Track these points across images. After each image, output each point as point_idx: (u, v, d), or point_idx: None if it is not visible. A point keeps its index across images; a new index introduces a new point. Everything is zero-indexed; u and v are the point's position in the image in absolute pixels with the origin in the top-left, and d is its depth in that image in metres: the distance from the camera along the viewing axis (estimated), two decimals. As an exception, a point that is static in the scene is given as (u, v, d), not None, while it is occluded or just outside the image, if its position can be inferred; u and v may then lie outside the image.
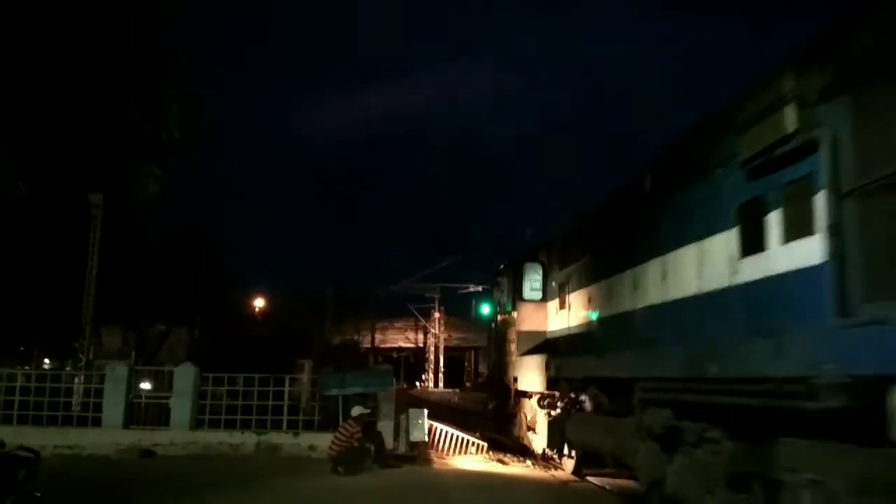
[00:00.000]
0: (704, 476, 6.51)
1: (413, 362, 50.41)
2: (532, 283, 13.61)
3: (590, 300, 10.67)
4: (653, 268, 8.25)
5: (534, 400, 13.63)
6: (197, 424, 14.16)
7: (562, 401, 11.74)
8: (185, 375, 14.38)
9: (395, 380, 15.24)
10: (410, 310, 48.01)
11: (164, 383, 15.26)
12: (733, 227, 6.38)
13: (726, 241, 6.49)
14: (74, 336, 20.38)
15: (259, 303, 43.98)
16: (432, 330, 47.79)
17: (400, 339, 51.40)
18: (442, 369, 46.76)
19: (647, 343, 8.28)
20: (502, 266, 16.07)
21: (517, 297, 14.19)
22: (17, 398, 14.16)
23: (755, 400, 5.66)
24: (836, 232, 4.81)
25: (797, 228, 5.32)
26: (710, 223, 6.83)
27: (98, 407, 14.17)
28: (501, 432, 16.26)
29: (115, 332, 25.23)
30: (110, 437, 13.59)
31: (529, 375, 13.37)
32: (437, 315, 47.22)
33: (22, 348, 30.93)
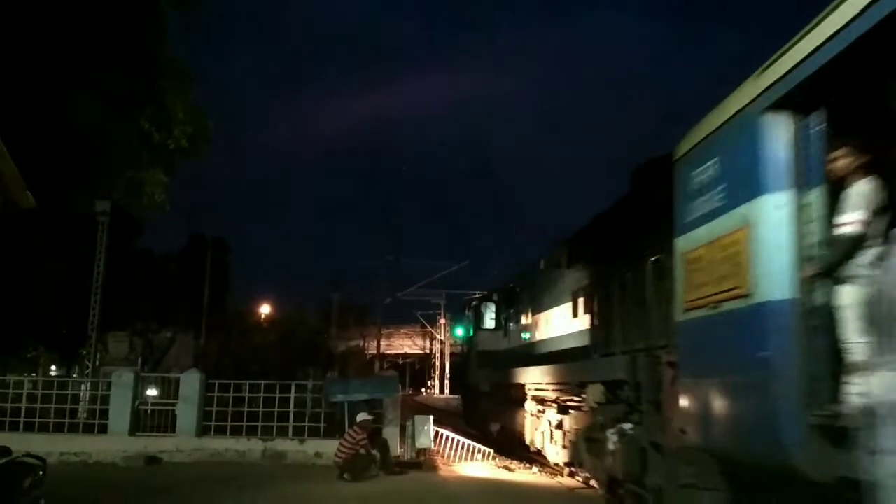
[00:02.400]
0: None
1: (419, 368, 50.41)
2: (489, 316, 18.51)
3: (516, 331, 16.32)
4: (542, 316, 13.90)
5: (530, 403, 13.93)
6: (203, 431, 14.17)
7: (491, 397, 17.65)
8: (191, 382, 14.40)
9: (400, 386, 15.24)
10: (416, 316, 48.02)
11: (170, 390, 15.28)
12: (568, 301, 11.92)
13: (566, 309, 12.10)
14: (81, 343, 20.46)
15: (265, 309, 44.03)
16: (438, 336, 47.77)
17: (406, 345, 51.41)
18: (448, 375, 46.72)
19: (534, 361, 13.48)
20: (472, 302, 21.63)
21: (478, 326, 19.43)
22: (23, 405, 14.19)
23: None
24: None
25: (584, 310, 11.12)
26: (562, 297, 12.42)
27: (104, 414, 14.20)
28: (470, 425, 20.82)
29: (121, 339, 25.29)
30: (116, 443, 13.61)
31: (483, 382, 18.69)
32: (442, 321, 47.20)
33: (29, 355, 31.04)
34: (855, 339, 3.85)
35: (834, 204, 4.22)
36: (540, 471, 13.60)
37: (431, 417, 14.63)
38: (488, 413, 18.14)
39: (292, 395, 14.44)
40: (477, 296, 21.98)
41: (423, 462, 13.72)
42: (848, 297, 4.01)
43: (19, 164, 8.55)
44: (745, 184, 4.74)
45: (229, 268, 35.88)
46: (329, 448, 12.96)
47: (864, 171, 4.14)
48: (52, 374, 29.22)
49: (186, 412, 14.15)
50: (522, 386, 14.19)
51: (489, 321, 18.36)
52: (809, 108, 4.43)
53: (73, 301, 21.11)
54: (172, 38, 12.27)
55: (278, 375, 15.19)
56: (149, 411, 14.94)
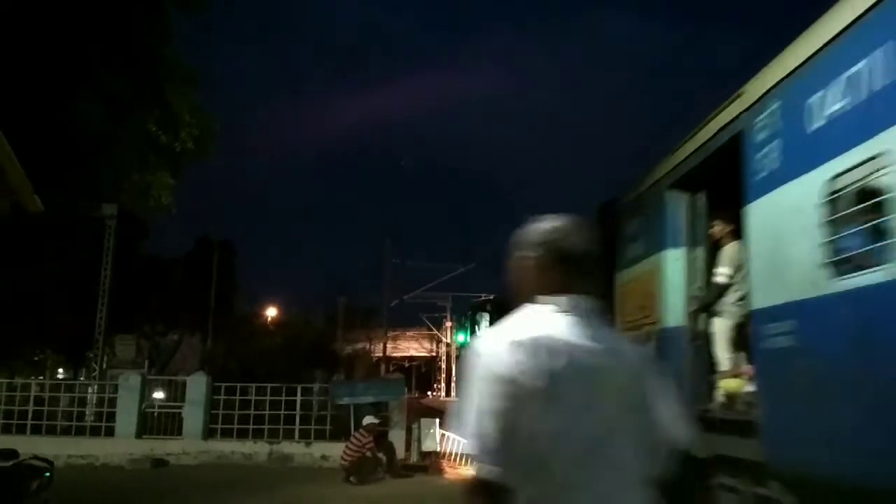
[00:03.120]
0: None
1: (425, 371, 50.34)
2: (482, 324, 21.16)
3: None
4: None
5: None
6: (209, 434, 14.19)
7: None
8: (197, 385, 14.42)
9: (406, 389, 15.23)
10: (422, 319, 47.97)
11: (176, 393, 15.31)
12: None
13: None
14: (88, 346, 20.51)
15: (271, 312, 44.06)
16: (444, 339, 47.73)
17: (412, 347, 51.36)
18: (454, 378, 46.66)
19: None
20: (468, 312, 25.21)
21: (473, 333, 22.93)
22: (31, 408, 14.24)
23: None
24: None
25: None
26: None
27: (111, 417, 14.23)
28: None
29: (128, 342, 25.33)
30: (123, 446, 13.64)
31: None
32: (448, 324, 47.14)
33: (36, 358, 31.13)
34: (723, 355, 5.74)
35: (712, 259, 6.00)
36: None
37: (437, 420, 14.61)
38: None
39: (298, 397, 14.45)
40: (482, 298, 24.01)
41: (429, 465, 13.69)
42: (718, 326, 5.83)
43: (26, 167, 8.57)
44: (656, 239, 6.39)
45: (235, 270, 35.97)
46: (335, 451, 12.95)
47: (731, 236, 5.77)
48: (60, 377, 29.33)
49: (193, 415, 14.17)
50: None
51: (483, 328, 21.66)
52: (697, 188, 6.06)
53: (81, 304, 21.18)
54: (177, 40, 12.31)
55: (284, 378, 15.19)
56: (155, 414, 14.97)
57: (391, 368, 41.38)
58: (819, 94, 4.02)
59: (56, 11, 10.33)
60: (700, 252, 6.19)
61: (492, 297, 21.48)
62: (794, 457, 4.15)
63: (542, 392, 1.55)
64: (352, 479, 11.79)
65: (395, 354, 49.10)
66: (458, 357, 25.83)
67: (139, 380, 14.70)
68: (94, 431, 14.23)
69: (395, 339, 49.80)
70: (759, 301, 4.57)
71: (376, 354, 45.75)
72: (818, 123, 4.01)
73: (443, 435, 15.09)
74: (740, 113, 4.94)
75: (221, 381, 14.69)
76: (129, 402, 14.17)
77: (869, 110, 3.60)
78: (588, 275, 1.77)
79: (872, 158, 3.49)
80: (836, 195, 3.77)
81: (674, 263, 6.15)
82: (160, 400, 16.34)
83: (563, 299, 1.70)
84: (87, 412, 15.33)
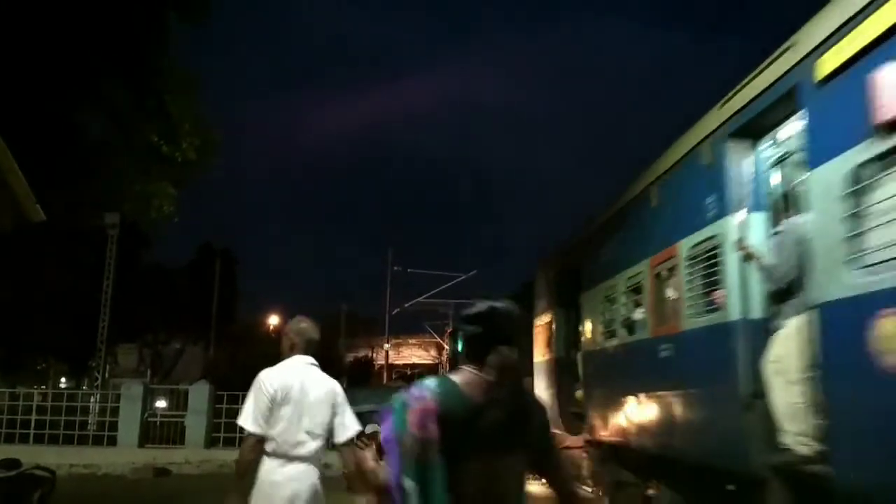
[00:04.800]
0: None
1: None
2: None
3: None
4: None
5: None
6: (212, 442, 14.18)
7: None
8: (199, 394, 14.43)
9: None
10: (424, 326, 47.93)
11: (179, 402, 15.32)
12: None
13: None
14: (90, 355, 20.54)
15: (273, 320, 44.09)
16: (446, 346, 47.67)
17: (414, 355, 51.32)
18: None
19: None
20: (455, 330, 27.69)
21: (458, 349, 23.71)
22: (33, 417, 14.25)
23: None
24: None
25: None
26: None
27: (114, 426, 14.23)
28: None
29: (130, 351, 25.39)
30: (126, 455, 13.63)
31: None
32: (450, 331, 47.11)
33: (39, 367, 31.16)
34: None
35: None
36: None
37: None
38: None
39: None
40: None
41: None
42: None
43: (28, 177, 8.62)
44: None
45: (237, 279, 36.04)
46: (337, 459, 12.92)
47: None
48: (62, 386, 29.34)
49: (195, 424, 14.17)
50: None
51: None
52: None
53: (83, 313, 21.21)
54: (178, 49, 12.36)
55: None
56: (158, 423, 14.97)
57: (394, 376, 41.36)
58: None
59: (58, 23, 10.39)
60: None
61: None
62: None
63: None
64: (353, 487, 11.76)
65: (397, 362, 49.08)
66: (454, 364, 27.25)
67: (141, 389, 14.71)
68: (97, 440, 14.23)
69: (397, 346, 49.79)
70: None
71: (379, 362, 45.75)
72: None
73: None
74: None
75: (223, 390, 14.68)
76: (131, 411, 14.18)
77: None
78: None
79: None
80: None
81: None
82: (162, 409, 16.34)
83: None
84: (89, 421, 15.35)
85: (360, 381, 29.48)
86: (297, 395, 3.81)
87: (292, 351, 4.00)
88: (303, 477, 3.80)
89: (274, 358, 4.12)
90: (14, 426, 14.16)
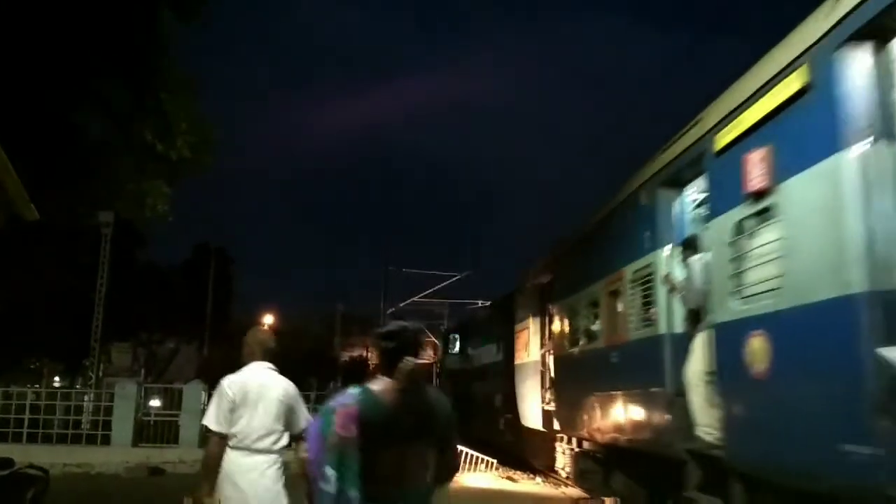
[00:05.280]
0: None
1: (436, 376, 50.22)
2: (453, 344, 25.44)
3: (466, 358, 22.82)
4: (476, 350, 20.77)
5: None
6: (206, 442, 14.15)
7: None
8: (194, 393, 14.41)
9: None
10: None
11: (173, 401, 15.29)
12: (492, 343, 17.57)
13: (494, 349, 17.21)
14: (84, 354, 20.48)
15: (268, 320, 44.00)
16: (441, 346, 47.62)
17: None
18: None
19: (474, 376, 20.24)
20: (444, 333, 30.57)
21: (447, 350, 27.34)
22: (27, 416, 14.20)
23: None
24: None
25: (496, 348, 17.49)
26: (484, 339, 18.73)
27: (107, 425, 14.19)
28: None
29: (124, 350, 25.32)
30: (119, 454, 13.61)
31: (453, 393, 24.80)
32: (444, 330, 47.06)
33: (32, 366, 31.05)
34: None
35: None
36: (544, 481, 13.54)
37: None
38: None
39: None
40: (479, 305, 27.10)
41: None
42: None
43: (22, 176, 8.59)
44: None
45: (232, 278, 35.97)
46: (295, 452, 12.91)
47: None
48: (56, 385, 29.24)
49: (189, 423, 14.14)
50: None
51: (454, 347, 25.52)
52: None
53: (77, 312, 21.16)
54: (177, 49, 12.32)
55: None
56: (152, 422, 14.94)
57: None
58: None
59: (53, 20, 10.36)
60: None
61: (458, 325, 28.52)
62: None
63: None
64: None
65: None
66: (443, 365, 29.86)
67: (135, 388, 14.68)
68: (90, 440, 14.19)
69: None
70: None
71: (374, 362, 45.70)
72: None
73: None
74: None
75: (218, 389, 14.67)
76: (125, 410, 14.15)
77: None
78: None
79: None
80: None
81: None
82: (156, 408, 16.30)
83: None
84: (83, 420, 15.31)
85: (355, 380, 29.37)
86: (254, 397, 4.35)
87: (251, 357, 4.56)
88: (262, 467, 4.38)
89: (270, 358, 4.52)
90: (7, 425, 14.11)
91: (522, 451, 14.31)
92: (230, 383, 4.37)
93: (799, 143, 4.46)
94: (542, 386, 11.99)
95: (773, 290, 4.63)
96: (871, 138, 3.96)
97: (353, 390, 2.84)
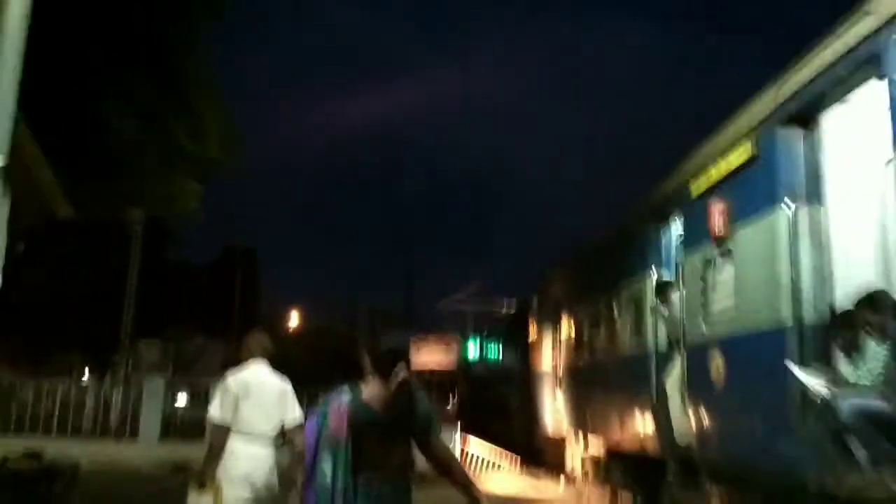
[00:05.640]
0: None
1: (447, 379, 50.18)
2: (471, 349, 27.73)
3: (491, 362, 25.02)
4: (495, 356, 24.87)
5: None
6: (211, 431, 14.21)
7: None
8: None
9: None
10: (446, 327, 47.85)
11: (200, 397, 15.41)
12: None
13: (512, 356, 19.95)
14: (114, 350, 20.75)
15: (294, 318, 44.28)
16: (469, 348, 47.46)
17: (432, 361, 51.22)
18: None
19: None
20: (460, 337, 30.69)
21: (466, 357, 28.30)
22: (57, 410, 14.41)
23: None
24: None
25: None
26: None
27: (135, 420, 14.35)
28: None
29: (153, 346, 25.62)
30: (146, 450, 13.73)
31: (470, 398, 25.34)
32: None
33: (63, 361, 31.56)
34: None
35: None
36: (567, 483, 13.42)
37: (456, 429, 14.55)
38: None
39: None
40: (503, 311, 29.00)
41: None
42: None
43: (57, 173, 8.70)
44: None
45: (259, 278, 36.28)
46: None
47: None
48: (85, 380, 29.69)
49: (216, 419, 14.23)
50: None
51: (473, 354, 28.10)
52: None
53: (108, 309, 21.45)
54: (205, 47, 12.44)
55: (307, 383, 15.22)
56: (179, 418, 15.07)
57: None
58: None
59: (86, 18, 10.51)
60: None
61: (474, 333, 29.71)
62: None
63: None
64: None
65: (417, 361, 49.02)
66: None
67: (163, 384, 14.82)
68: (118, 434, 14.36)
69: (417, 345, 49.66)
70: None
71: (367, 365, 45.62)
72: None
73: (463, 443, 15.02)
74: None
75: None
76: (152, 405, 14.29)
77: None
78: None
79: None
80: None
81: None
82: (183, 405, 16.45)
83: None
84: (111, 415, 15.50)
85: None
86: (254, 391, 4.98)
87: (251, 356, 5.29)
88: (261, 454, 4.88)
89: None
90: (38, 419, 14.33)
91: (538, 450, 15.11)
92: (233, 378, 5.04)
93: (749, 200, 5.64)
94: (552, 392, 12.95)
95: (729, 318, 5.91)
96: (800, 201, 5.09)
97: (345, 391, 3.42)
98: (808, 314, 4.97)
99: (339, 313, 48.63)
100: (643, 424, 7.74)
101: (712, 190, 6.15)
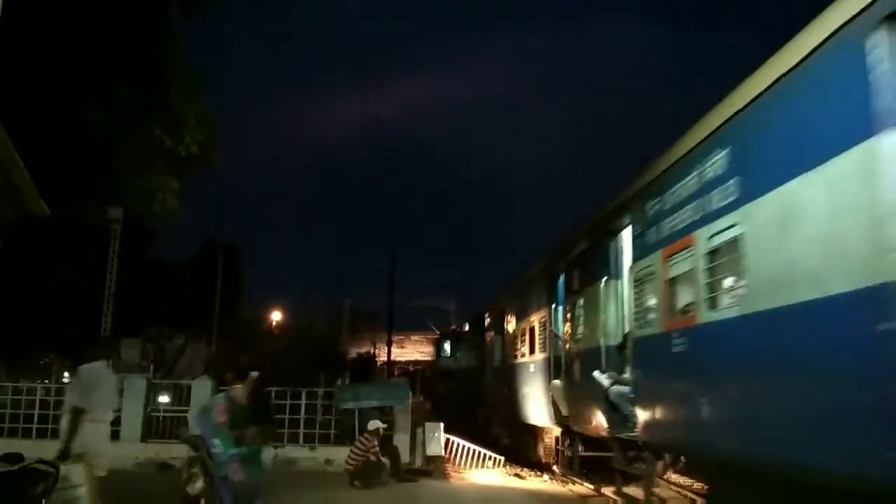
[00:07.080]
0: None
1: (429, 375, 50.33)
2: (446, 347, 32.16)
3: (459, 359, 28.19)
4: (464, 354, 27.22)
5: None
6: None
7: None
8: (202, 389, 14.42)
9: (410, 393, 15.21)
10: (426, 323, 47.96)
11: (181, 397, 15.32)
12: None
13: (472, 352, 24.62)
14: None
15: (276, 316, 44.09)
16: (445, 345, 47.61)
17: (417, 351, 51.32)
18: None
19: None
20: (437, 339, 37.09)
21: (440, 354, 33.72)
22: (36, 412, 14.26)
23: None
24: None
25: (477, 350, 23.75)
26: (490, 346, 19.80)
27: (116, 420, 14.21)
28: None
29: (133, 346, 25.37)
30: (128, 450, 13.62)
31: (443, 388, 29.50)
32: (452, 328, 47.06)
33: (42, 362, 31.19)
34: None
35: None
36: (551, 478, 13.52)
37: (441, 425, 14.59)
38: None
39: (303, 401, 14.44)
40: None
41: (433, 469, 13.67)
42: None
43: (32, 172, 8.60)
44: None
45: (241, 274, 36.00)
46: (340, 455, 12.94)
47: None
48: (65, 380, 29.34)
49: (198, 419, 14.16)
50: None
51: (446, 351, 31.97)
52: None
53: (86, 308, 21.22)
54: (185, 45, 12.34)
55: (289, 382, 15.18)
56: (160, 418, 14.97)
57: (396, 372, 41.36)
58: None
59: (62, 17, 10.38)
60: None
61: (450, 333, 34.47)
62: None
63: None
64: (356, 483, 11.78)
65: (399, 358, 49.07)
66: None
67: (144, 384, 14.71)
68: (100, 435, 14.21)
69: (400, 342, 49.80)
70: None
71: (381, 358, 45.76)
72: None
73: (448, 439, 15.07)
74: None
75: (226, 386, 14.68)
76: (134, 405, 14.18)
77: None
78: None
79: None
80: None
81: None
82: (165, 404, 16.32)
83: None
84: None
85: (363, 377, 29.43)
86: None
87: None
88: None
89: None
90: (17, 420, 14.17)
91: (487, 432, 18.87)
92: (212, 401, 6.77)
93: (589, 275, 10.10)
94: (502, 386, 17.01)
95: (583, 339, 9.83)
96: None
97: (221, 396, 5.85)
98: (612, 341, 9.05)
99: (321, 310, 48.46)
100: (598, 410, 9.53)
101: (573, 262, 10.76)
